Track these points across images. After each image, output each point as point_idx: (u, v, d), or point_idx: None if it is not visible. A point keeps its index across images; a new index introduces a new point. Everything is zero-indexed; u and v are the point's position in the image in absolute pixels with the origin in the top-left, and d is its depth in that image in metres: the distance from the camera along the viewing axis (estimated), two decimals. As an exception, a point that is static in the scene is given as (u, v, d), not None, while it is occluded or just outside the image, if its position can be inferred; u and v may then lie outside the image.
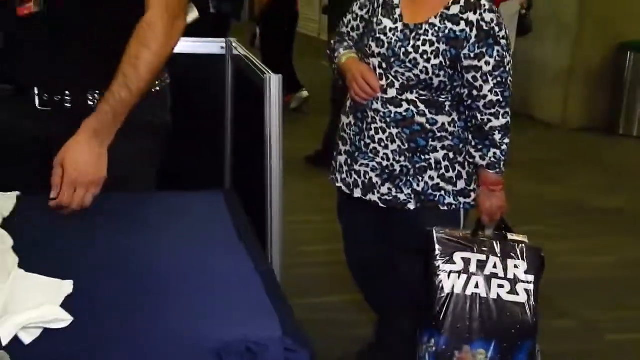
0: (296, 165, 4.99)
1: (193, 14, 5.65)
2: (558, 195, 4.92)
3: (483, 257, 2.13)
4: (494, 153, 2.17)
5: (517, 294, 2.12)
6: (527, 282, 2.13)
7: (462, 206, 2.26)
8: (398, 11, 2.20)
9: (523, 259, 2.14)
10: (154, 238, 1.66)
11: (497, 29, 2.11)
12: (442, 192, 2.23)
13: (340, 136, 2.37)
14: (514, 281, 2.13)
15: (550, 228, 4.10)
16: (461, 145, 2.22)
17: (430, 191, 2.22)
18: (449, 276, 2.12)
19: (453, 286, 2.12)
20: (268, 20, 6.82)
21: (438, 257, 2.13)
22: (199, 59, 2.56)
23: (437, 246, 2.14)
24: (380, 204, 2.27)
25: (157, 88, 1.94)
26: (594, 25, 5.46)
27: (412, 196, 2.23)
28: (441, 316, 2.12)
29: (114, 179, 1.75)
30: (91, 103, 1.80)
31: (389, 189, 2.24)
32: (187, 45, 2.59)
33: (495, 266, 2.13)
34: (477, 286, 2.12)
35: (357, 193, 2.30)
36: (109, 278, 1.43)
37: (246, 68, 2.25)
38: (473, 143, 2.20)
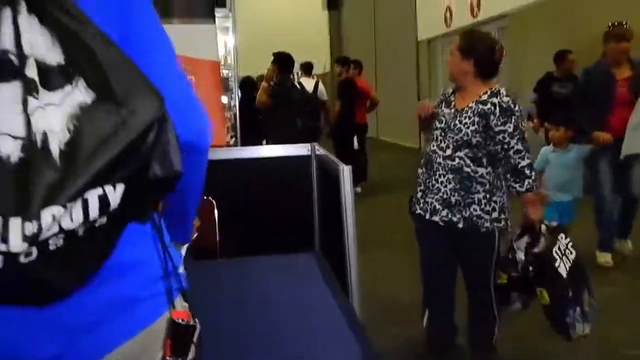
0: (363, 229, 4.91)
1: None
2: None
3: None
4: (527, 182, 2.42)
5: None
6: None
7: (494, 228, 2.48)
8: (452, 103, 2.57)
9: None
10: (266, 288, 1.66)
11: (512, 105, 2.42)
12: (482, 220, 2.46)
13: (417, 182, 2.65)
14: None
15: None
16: (494, 190, 2.47)
17: (474, 218, 2.46)
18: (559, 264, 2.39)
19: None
20: (338, 132, 6.87)
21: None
22: (293, 158, 2.62)
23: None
24: (440, 223, 2.51)
25: None
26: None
27: (462, 219, 2.47)
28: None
29: None
30: None
31: (446, 213, 2.50)
32: (285, 150, 2.66)
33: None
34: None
35: (427, 216, 2.56)
36: (235, 319, 1.44)
37: (326, 162, 2.29)
38: (512, 179, 2.44)
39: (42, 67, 0.66)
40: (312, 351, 1.29)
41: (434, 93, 10.04)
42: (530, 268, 2.40)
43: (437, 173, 2.52)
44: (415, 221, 2.70)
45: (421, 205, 2.61)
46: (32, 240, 0.59)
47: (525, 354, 2.85)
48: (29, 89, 0.64)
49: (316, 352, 1.29)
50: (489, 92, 2.47)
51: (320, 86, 6.73)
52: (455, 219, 2.49)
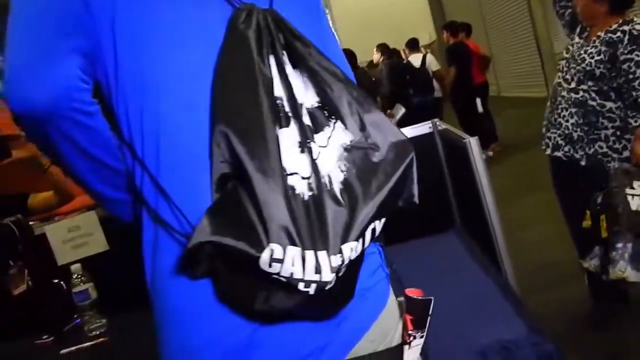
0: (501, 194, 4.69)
1: (401, 111, 5.79)
2: None
3: None
4: None
5: None
6: None
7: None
8: (586, 33, 2.39)
9: None
10: (415, 271, 1.68)
11: None
12: (609, 158, 2.30)
13: (544, 117, 2.54)
14: None
15: None
16: (628, 126, 2.28)
17: (599, 156, 2.31)
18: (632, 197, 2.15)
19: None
20: (458, 99, 6.55)
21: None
22: (417, 139, 2.57)
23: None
24: (563, 158, 2.40)
25: None
26: None
27: (585, 156, 2.33)
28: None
29: None
30: None
31: (568, 149, 2.38)
32: (407, 132, 2.65)
33: None
34: None
35: (548, 151, 2.47)
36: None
37: (451, 137, 2.25)
38: (630, 114, 2.25)
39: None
40: (473, 328, 1.29)
41: (552, 33, 9.34)
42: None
43: (560, 107, 2.41)
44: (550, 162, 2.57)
45: (545, 140, 2.51)
46: (337, 271, 0.67)
47: None
48: (306, 134, 0.70)
49: (477, 328, 1.28)
50: (620, 21, 2.29)
51: (429, 57, 6.57)
52: (577, 156, 2.36)
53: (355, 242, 0.68)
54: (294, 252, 0.65)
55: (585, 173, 2.37)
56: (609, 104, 2.29)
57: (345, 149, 0.71)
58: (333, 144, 0.71)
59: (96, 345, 1.77)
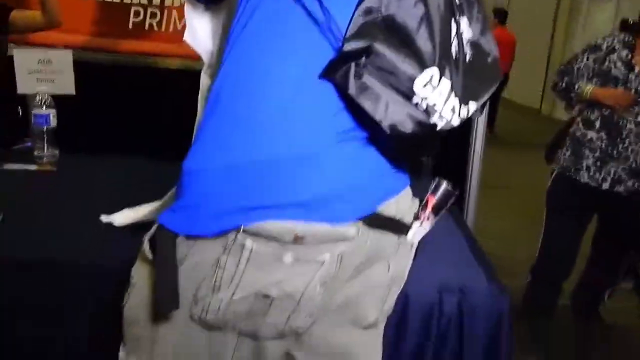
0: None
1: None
2: None
3: None
4: None
5: None
6: None
7: None
8: (631, 62, 2.34)
9: None
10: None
11: None
12: None
13: (588, 147, 2.45)
14: None
15: None
16: None
17: None
18: None
19: None
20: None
21: None
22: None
23: None
24: (624, 194, 2.39)
25: None
26: None
27: None
28: None
29: None
30: None
31: (633, 183, 2.38)
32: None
33: None
34: None
35: (605, 186, 2.40)
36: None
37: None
38: None
39: None
40: (437, 269, 1.28)
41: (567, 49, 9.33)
42: None
43: (627, 140, 2.37)
44: (563, 184, 2.53)
45: (591, 173, 2.44)
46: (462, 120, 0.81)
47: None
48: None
49: (441, 270, 1.29)
50: None
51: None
52: None
53: (476, 105, 0.81)
54: (446, 84, 0.75)
55: (630, 209, 2.40)
56: None
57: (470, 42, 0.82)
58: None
59: (43, 172, 1.71)
